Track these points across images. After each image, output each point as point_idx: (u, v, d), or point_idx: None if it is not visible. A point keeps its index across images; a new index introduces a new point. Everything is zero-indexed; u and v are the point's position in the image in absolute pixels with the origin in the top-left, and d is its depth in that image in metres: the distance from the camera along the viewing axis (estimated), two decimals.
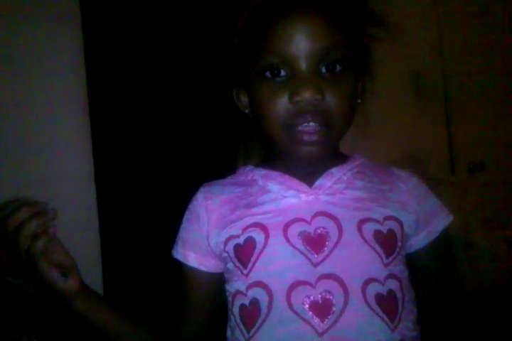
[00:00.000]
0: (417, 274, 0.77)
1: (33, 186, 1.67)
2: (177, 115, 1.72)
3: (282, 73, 0.70)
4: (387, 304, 0.68)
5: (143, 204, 1.70)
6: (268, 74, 0.70)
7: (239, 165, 0.86)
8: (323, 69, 0.69)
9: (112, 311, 0.74)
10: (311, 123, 0.69)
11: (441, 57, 2.05)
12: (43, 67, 1.70)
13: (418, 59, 1.98)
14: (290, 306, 0.67)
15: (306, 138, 0.69)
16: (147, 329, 0.78)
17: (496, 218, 2.00)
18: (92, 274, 1.69)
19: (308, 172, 0.76)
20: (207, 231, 0.78)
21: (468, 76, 2.03)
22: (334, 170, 0.77)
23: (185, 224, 0.82)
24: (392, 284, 0.70)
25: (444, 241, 0.81)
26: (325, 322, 0.66)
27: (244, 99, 0.80)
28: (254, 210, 0.74)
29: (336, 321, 0.66)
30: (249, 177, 0.81)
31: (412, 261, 0.78)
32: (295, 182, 0.75)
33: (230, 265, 0.75)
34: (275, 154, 0.80)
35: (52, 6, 1.68)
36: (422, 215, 0.78)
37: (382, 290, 0.69)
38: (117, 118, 1.71)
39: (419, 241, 0.79)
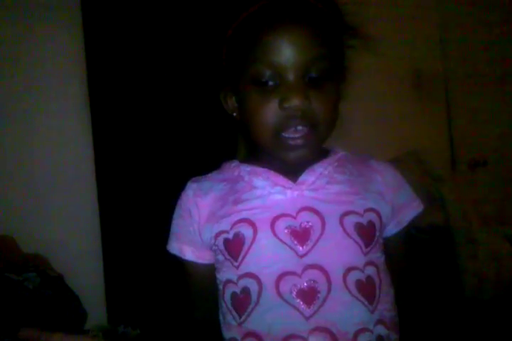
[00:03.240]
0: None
1: (33, 184, 1.67)
2: (175, 111, 1.72)
3: (271, 82, 0.76)
4: (366, 289, 0.75)
5: (143, 200, 1.70)
6: (258, 82, 0.76)
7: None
8: (307, 79, 0.75)
9: None
10: (299, 127, 0.75)
11: (442, 55, 2.04)
12: (43, 63, 1.70)
13: (419, 57, 1.97)
14: (279, 294, 0.74)
15: (292, 143, 0.76)
16: None
17: (498, 214, 1.99)
18: (93, 273, 1.69)
19: (291, 169, 0.81)
20: (198, 228, 0.83)
21: (469, 73, 2.03)
22: (316, 166, 0.82)
23: (177, 220, 0.87)
24: (371, 270, 0.77)
25: (407, 231, 0.88)
26: (311, 308, 0.73)
27: (231, 102, 0.85)
28: (242, 206, 0.79)
29: (320, 306, 0.73)
30: (235, 173, 0.85)
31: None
32: (280, 179, 0.80)
33: (220, 257, 0.81)
34: (260, 152, 0.85)
35: (53, 4, 1.68)
36: (396, 205, 0.84)
37: (362, 276, 0.76)
38: (117, 115, 1.71)
39: (389, 229, 0.86)
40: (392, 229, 0.86)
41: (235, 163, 0.88)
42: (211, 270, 0.85)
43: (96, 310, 1.61)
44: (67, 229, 1.69)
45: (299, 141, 0.76)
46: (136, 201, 1.70)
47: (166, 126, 1.72)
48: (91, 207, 1.71)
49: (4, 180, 1.64)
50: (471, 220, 1.98)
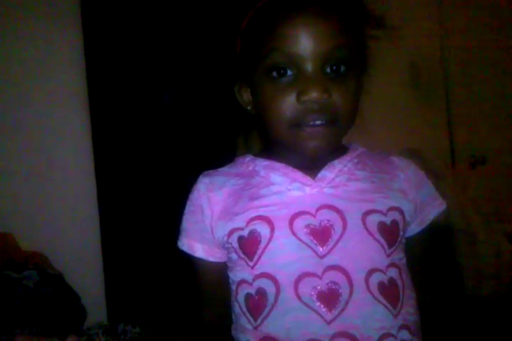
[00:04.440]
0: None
1: (33, 182, 1.67)
2: (178, 107, 1.72)
3: (289, 73, 0.71)
4: (389, 292, 0.71)
5: (143, 198, 1.69)
6: (274, 73, 0.72)
7: (239, 155, 0.86)
8: (328, 70, 0.71)
9: None
10: (318, 122, 0.71)
11: (441, 51, 2.04)
12: (43, 63, 1.69)
13: (418, 52, 1.97)
14: (298, 297, 0.69)
15: (311, 131, 0.71)
16: None
17: (497, 212, 1.99)
18: (93, 271, 1.69)
19: (309, 164, 0.77)
20: (211, 224, 0.78)
21: (468, 70, 2.02)
22: (336, 161, 0.78)
23: (188, 216, 0.82)
24: (393, 272, 0.73)
25: (431, 231, 0.83)
26: (332, 312, 0.68)
27: (246, 96, 0.81)
28: (258, 202, 0.75)
29: (342, 310, 0.68)
30: (250, 168, 0.80)
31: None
32: (299, 175, 0.76)
33: (233, 255, 0.76)
34: (276, 147, 0.80)
35: (52, 5, 1.68)
36: (419, 203, 0.80)
37: (384, 278, 0.71)
38: (116, 114, 1.70)
39: (410, 229, 0.81)
40: (414, 228, 0.81)
41: (249, 157, 0.83)
42: (223, 268, 0.80)
43: (96, 307, 1.62)
44: (67, 227, 1.69)
45: (319, 129, 0.71)
46: (136, 199, 1.69)
47: (165, 125, 1.72)
48: (91, 206, 1.71)
49: (4, 178, 1.64)
50: (471, 218, 1.98)
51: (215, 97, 1.64)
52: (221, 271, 0.80)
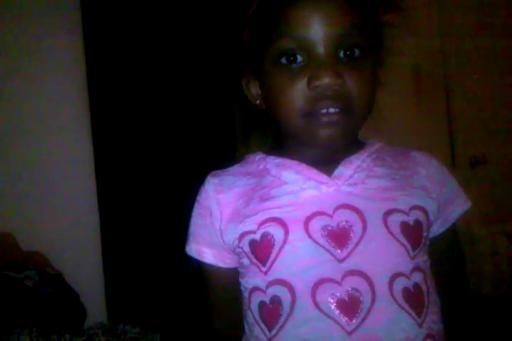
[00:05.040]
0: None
1: (33, 182, 1.67)
2: (179, 105, 1.71)
3: (299, 59, 0.67)
4: (414, 299, 0.66)
5: (143, 198, 1.69)
6: (284, 60, 0.67)
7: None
8: (342, 54, 0.67)
9: None
10: (331, 109, 0.66)
11: (442, 51, 2.03)
12: (43, 63, 1.69)
13: (419, 52, 1.96)
14: (316, 304, 0.64)
15: (326, 119, 0.66)
16: None
17: (497, 212, 1.99)
18: (93, 271, 1.69)
19: (324, 160, 0.72)
20: (220, 227, 0.73)
21: (469, 69, 2.02)
22: (353, 157, 0.72)
23: (195, 219, 0.77)
24: (418, 277, 0.67)
25: (456, 232, 0.78)
26: (353, 321, 0.63)
27: (254, 89, 0.76)
28: (271, 203, 0.69)
29: (364, 319, 0.63)
30: (261, 167, 0.75)
31: None
32: (314, 172, 0.71)
33: (245, 260, 0.71)
34: (288, 142, 0.76)
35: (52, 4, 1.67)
36: (442, 201, 0.74)
37: (408, 284, 0.66)
38: (116, 112, 1.70)
39: (433, 229, 0.74)
40: (437, 228, 0.75)
41: (260, 155, 0.77)
42: (234, 275, 0.75)
43: (96, 307, 1.62)
44: (66, 227, 1.69)
45: (335, 118, 0.66)
46: (136, 198, 1.69)
47: (165, 123, 1.71)
48: (91, 206, 1.71)
49: (4, 178, 1.64)
50: (471, 217, 1.97)
51: (216, 95, 1.63)
52: (232, 277, 0.75)
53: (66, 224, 1.69)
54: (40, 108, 1.70)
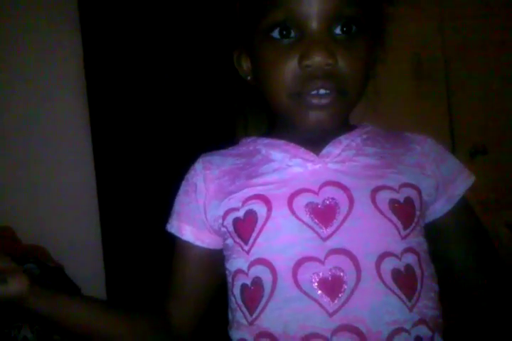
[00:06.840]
0: (444, 250, 0.71)
1: (32, 175, 1.67)
2: (178, 103, 1.71)
3: (292, 34, 0.62)
4: (404, 281, 0.61)
5: (142, 191, 1.69)
6: (276, 34, 0.63)
7: (238, 138, 0.79)
8: (338, 31, 0.62)
9: (77, 304, 0.67)
10: (322, 90, 0.62)
11: (442, 41, 2.02)
12: (43, 63, 1.69)
13: (419, 42, 1.95)
14: (297, 284, 0.61)
15: (315, 101, 0.62)
16: (127, 315, 0.71)
17: (497, 202, 1.98)
18: (93, 263, 1.70)
19: (314, 141, 0.69)
20: (204, 203, 0.70)
21: (470, 60, 2.01)
22: (342, 137, 0.69)
23: (181, 196, 0.74)
24: (410, 258, 0.63)
25: (468, 208, 0.72)
26: (335, 302, 0.59)
27: (245, 64, 0.72)
28: (256, 181, 0.67)
29: (347, 300, 0.59)
30: (251, 148, 0.73)
31: (433, 233, 0.70)
32: (301, 151, 0.68)
33: (229, 241, 0.68)
34: (279, 124, 0.73)
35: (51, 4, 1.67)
36: (441, 179, 0.70)
37: (399, 265, 0.62)
38: (115, 110, 1.70)
39: (438, 208, 0.70)
40: (442, 207, 0.71)
41: (252, 137, 0.75)
42: (207, 258, 0.72)
43: None
44: (66, 220, 1.69)
45: (324, 100, 0.62)
46: (135, 191, 1.69)
47: (164, 122, 1.71)
48: (90, 199, 1.71)
49: (4, 171, 1.64)
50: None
51: (216, 92, 1.63)
52: (207, 261, 0.72)
53: (66, 218, 1.70)
54: (38, 106, 1.70)
